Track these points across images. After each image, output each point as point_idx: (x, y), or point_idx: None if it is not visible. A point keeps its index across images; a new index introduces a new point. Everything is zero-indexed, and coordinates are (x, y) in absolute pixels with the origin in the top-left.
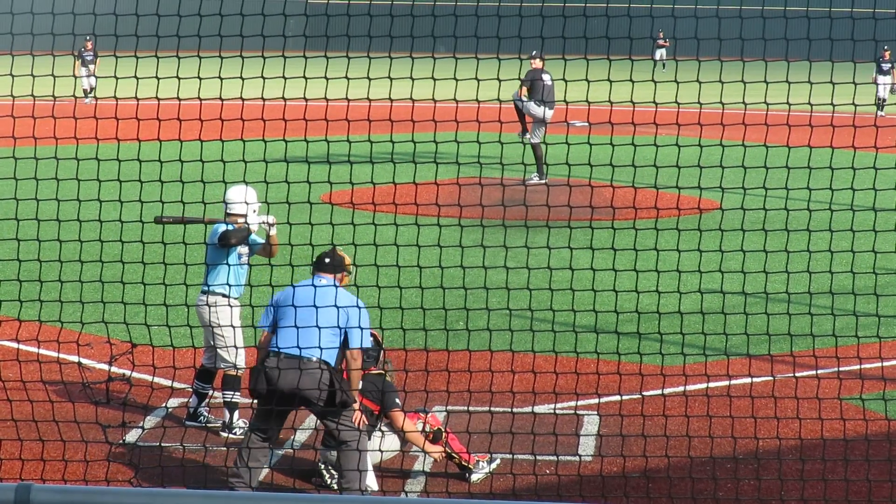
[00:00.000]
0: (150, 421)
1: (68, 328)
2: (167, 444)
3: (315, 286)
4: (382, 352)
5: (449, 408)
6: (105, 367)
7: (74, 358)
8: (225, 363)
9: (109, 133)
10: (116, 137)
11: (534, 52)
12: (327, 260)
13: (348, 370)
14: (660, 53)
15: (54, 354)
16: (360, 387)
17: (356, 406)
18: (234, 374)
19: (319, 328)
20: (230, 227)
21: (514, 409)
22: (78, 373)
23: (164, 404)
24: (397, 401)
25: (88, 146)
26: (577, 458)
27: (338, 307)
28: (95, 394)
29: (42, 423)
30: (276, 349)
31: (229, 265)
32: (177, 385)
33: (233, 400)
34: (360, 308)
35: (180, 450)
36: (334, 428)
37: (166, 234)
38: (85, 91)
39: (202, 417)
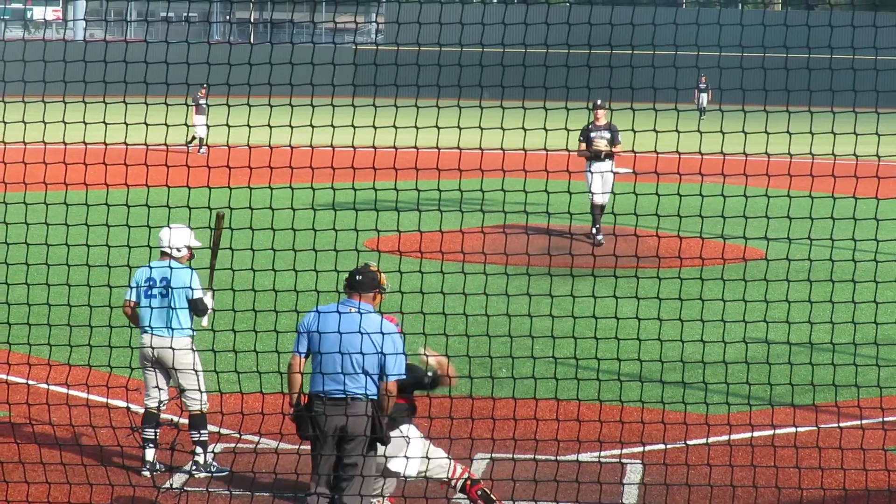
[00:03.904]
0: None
1: (117, 373)
2: (213, 490)
3: (343, 313)
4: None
5: (493, 455)
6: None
7: (122, 402)
8: (195, 403)
9: (139, 179)
10: (146, 183)
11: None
12: (359, 277)
13: (383, 399)
14: (703, 98)
15: (103, 399)
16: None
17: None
18: (201, 412)
19: (359, 362)
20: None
21: (559, 457)
22: (126, 417)
23: (210, 449)
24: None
25: (119, 191)
26: None
27: (370, 334)
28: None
29: (90, 467)
30: (322, 392)
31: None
32: (223, 431)
33: (202, 439)
34: (396, 334)
35: (227, 495)
36: (346, 476)
37: (218, 281)
38: (197, 138)
39: (213, 467)
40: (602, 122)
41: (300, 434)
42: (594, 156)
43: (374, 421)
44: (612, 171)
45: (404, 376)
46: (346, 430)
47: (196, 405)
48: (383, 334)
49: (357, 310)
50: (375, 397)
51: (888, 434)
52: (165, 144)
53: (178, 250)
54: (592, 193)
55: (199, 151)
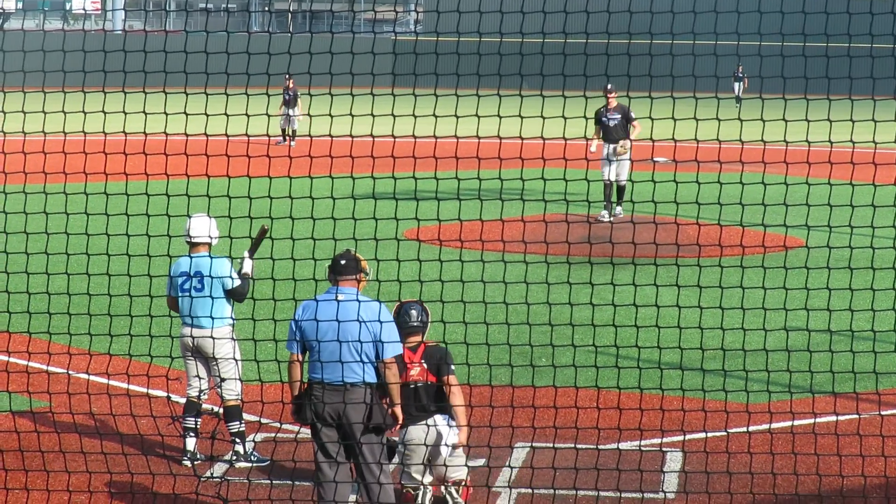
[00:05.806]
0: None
1: (157, 363)
2: (254, 479)
3: (340, 301)
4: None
5: (534, 444)
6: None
7: (163, 392)
8: (232, 393)
9: (180, 169)
10: (186, 174)
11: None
12: (343, 262)
13: (386, 385)
14: (739, 87)
15: (143, 389)
16: (399, 401)
17: (397, 427)
18: (237, 403)
19: (354, 348)
20: (238, 272)
21: (600, 446)
22: (166, 407)
23: (250, 438)
24: (452, 367)
25: (159, 182)
26: (661, 495)
27: (365, 321)
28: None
29: (130, 456)
30: (320, 379)
31: (228, 299)
32: (264, 420)
33: (240, 429)
34: (387, 317)
35: (267, 484)
36: (362, 463)
37: (259, 271)
38: (283, 131)
39: (254, 456)
40: (613, 104)
41: (298, 418)
42: (608, 140)
43: (371, 408)
44: (628, 159)
45: (401, 352)
46: (344, 416)
47: (233, 395)
48: (367, 322)
49: (351, 297)
50: (374, 383)
51: None
52: (205, 135)
53: (214, 239)
54: (604, 174)
55: (290, 144)
